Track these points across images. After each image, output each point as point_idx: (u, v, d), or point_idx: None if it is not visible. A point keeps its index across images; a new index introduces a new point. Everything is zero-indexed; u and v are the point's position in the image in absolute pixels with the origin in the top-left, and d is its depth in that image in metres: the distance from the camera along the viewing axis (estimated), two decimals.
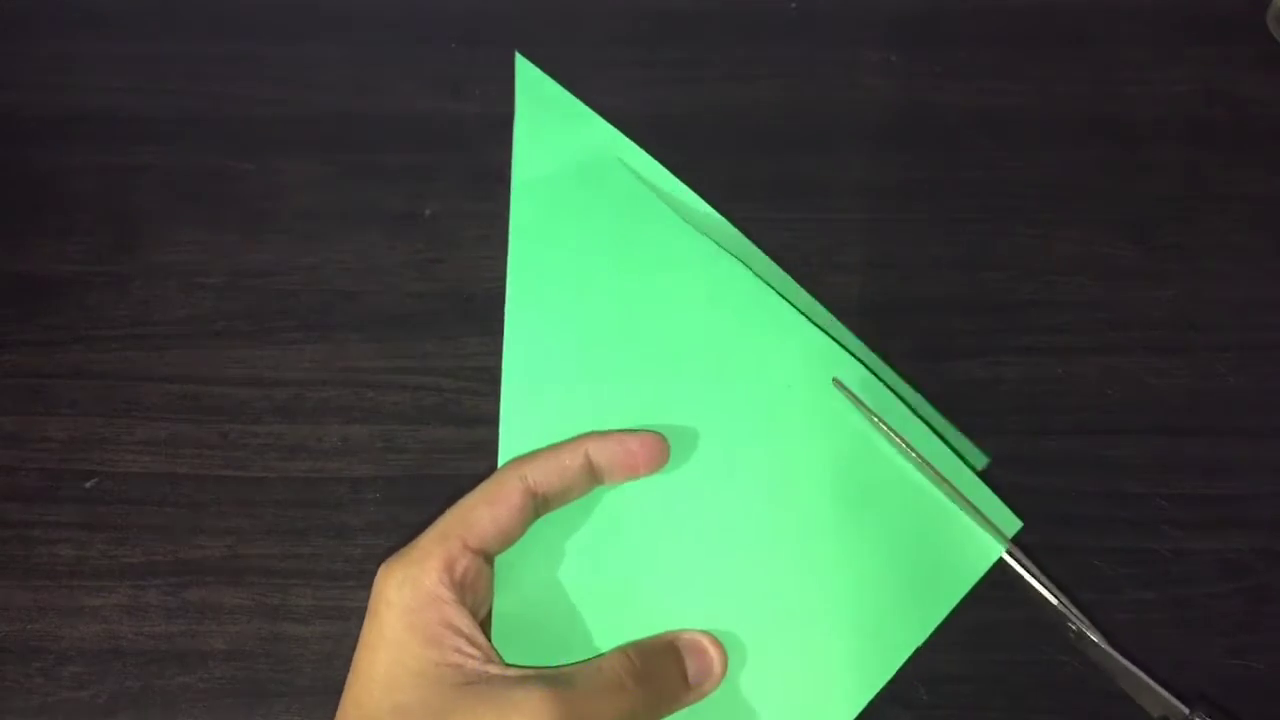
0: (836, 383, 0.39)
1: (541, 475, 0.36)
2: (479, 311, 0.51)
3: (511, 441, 0.39)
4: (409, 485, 0.47)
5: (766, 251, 0.51)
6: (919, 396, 0.45)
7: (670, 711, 0.36)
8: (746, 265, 0.42)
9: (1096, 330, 0.50)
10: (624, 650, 0.36)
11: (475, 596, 0.35)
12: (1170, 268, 0.51)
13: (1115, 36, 0.57)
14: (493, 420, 0.48)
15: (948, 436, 0.41)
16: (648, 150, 0.48)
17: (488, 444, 0.48)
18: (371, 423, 0.49)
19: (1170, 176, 0.53)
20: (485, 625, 0.37)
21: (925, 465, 0.39)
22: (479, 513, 0.35)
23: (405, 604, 0.34)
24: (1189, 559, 0.45)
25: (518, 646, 0.36)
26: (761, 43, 0.57)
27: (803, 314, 0.42)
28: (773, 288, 0.42)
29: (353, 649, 0.44)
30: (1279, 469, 0.47)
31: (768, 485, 0.39)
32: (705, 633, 0.37)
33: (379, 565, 0.35)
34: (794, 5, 0.59)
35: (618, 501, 0.38)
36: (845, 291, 0.50)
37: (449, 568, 0.34)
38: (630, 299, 0.42)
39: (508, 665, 0.34)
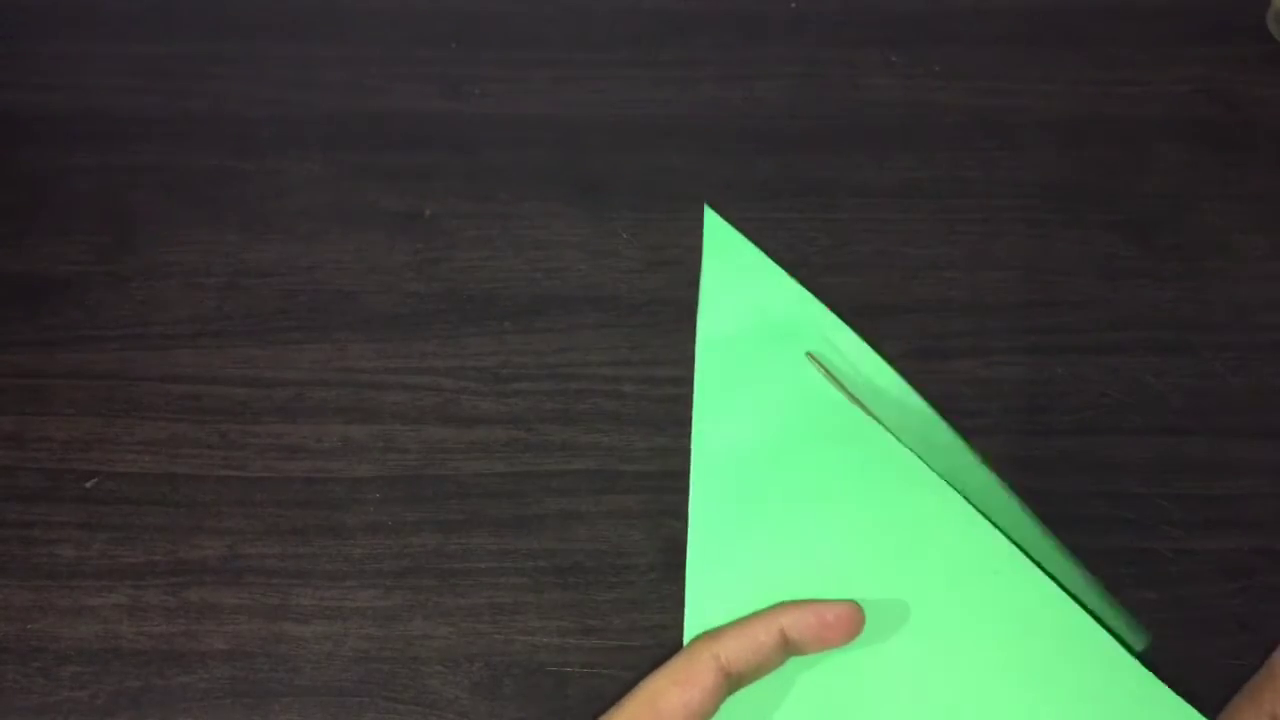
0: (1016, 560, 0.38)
1: (735, 653, 0.34)
2: (479, 311, 0.51)
3: (698, 617, 0.37)
4: (409, 485, 0.47)
5: (767, 252, 0.51)
6: (1069, 564, 0.44)
7: None
8: (929, 442, 0.40)
9: (1096, 330, 0.50)
10: None
11: None
12: (1170, 268, 0.51)
13: (1115, 36, 0.57)
14: (492, 420, 0.48)
15: (1105, 614, 0.40)
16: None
17: (487, 443, 0.48)
18: (371, 423, 0.49)
19: (1170, 176, 0.53)
20: None
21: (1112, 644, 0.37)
22: (669, 696, 0.33)
23: None
24: (1189, 559, 0.45)
25: None
26: (761, 43, 0.58)
27: (976, 507, 0.40)
28: (952, 483, 0.39)
29: (352, 649, 0.44)
30: (1279, 469, 0.47)
31: (964, 671, 0.37)
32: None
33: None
34: (794, 5, 0.59)
35: (807, 676, 0.36)
36: (845, 291, 0.50)
37: None
38: (818, 469, 0.40)
39: None
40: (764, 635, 0.34)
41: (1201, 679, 0.43)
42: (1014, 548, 0.37)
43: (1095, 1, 0.58)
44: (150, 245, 0.53)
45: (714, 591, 0.37)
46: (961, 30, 0.58)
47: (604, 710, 0.33)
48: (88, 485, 0.48)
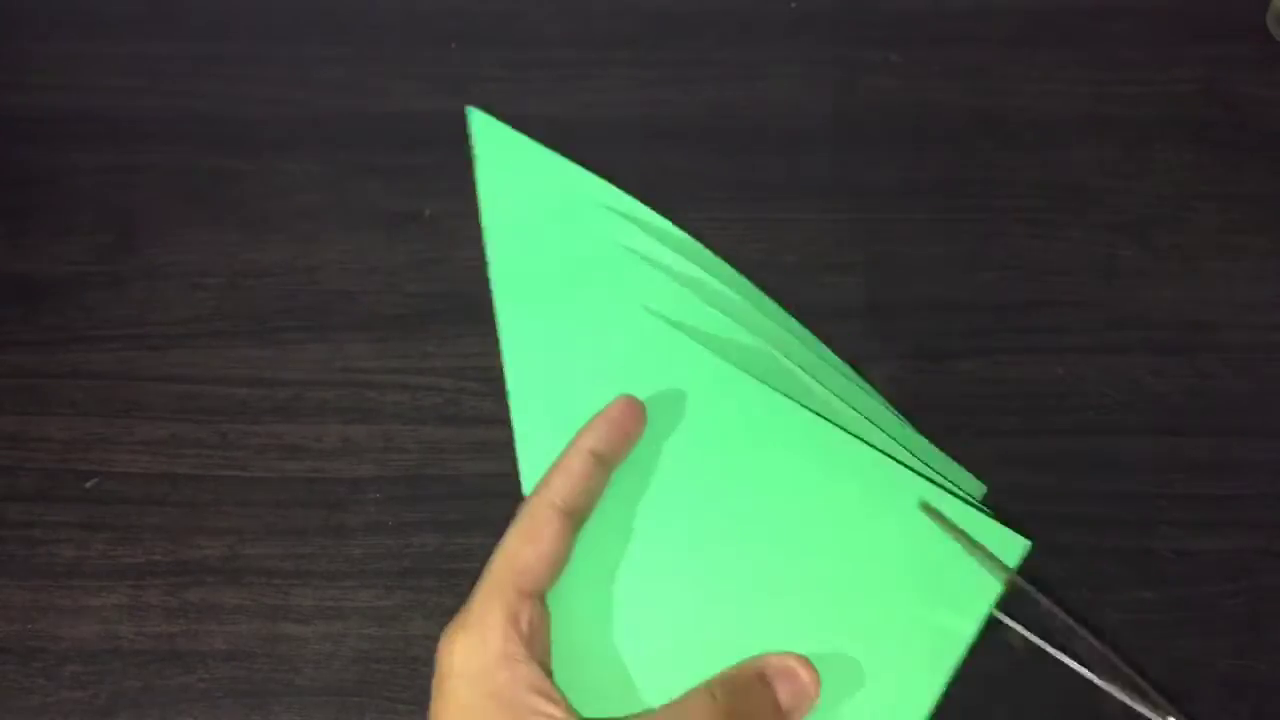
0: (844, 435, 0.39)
1: (564, 490, 0.35)
2: (479, 311, 0.51)
3: (531, 468, 0.38)
4: (409, 485, 0.47)
5: (765, 252, 0.51)
6: (905, 427, 0.45)
7: None
8: (721, 286, 0.43)
9: (1096, 330, 0.50)
10: (707, 687, 0.33)
11: (542, 646, 0.34)
12: (1170, 268, 0.51)
13: (1115, 36, 0.57)
14: (492, 420, 0.48)
15: (940, 467, 0.41)
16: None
17: (487, 443, 0.48)
18: (371, 423, 0.49)
19: (1170, 176, 0.53)
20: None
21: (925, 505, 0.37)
22: (524, 553, 0.34)
23: (475, 671, 0.32)
24: (1189, 559, 0.45)
25: (586, 692, 0.33)
26: (761, 43, 0.58)
27: (776, 351, 0.41)
28: (746, 318, 0.42)
29: (352, 649, 0.44)
30: (1279, 469, 0.47)
31: (769, 510, 0.38)
32: (793, 654, 0.34)
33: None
34: (794, 5, 0.59)
35: (645, 523, 0.38)
36: (845, 291, 0.50)
37: (513, 621, 0.32)
38: (621, 318, 0.42)
39: None
40: (579, 463, 0.36)
41: (1201, 679, 0.43)
42: (795, 404, 0.39)
43: (1095, 1, 0.58)
44: (150, 245, 0.53)
45: (542, 447, 0.39)
46: (961, 30, 0.57)
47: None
48: (88, 485, 0.48)
